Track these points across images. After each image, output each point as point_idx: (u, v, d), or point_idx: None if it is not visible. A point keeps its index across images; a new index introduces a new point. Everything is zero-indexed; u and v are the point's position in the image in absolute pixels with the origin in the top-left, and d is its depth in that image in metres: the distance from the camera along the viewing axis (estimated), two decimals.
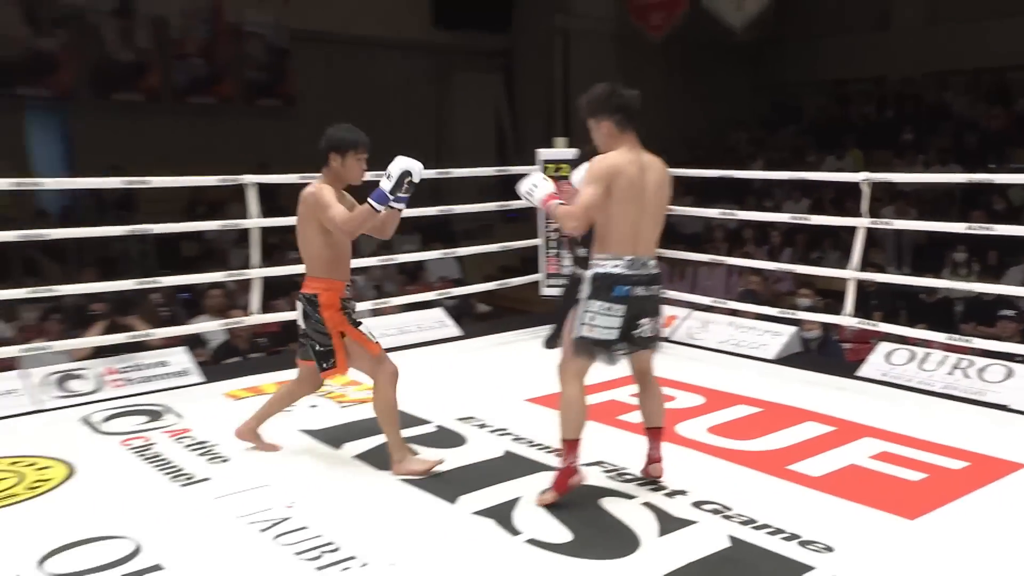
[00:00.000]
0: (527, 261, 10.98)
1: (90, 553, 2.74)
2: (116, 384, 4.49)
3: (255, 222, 4.96)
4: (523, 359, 5.28)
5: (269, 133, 12.45)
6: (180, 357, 4.76)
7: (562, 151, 6.15)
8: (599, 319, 2.96)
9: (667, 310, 5.87)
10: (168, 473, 3.40)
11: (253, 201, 4.93)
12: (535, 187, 3.17)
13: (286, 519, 2.96)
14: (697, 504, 3.09)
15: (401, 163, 3.16)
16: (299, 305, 3.37)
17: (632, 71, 14.88)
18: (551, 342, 5.18)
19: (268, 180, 5.18)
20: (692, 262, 8.26)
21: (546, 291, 6.22)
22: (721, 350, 5.35)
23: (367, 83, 13.29)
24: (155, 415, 4.12)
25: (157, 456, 3.58)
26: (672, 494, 3.17)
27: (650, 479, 3.28)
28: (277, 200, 10.45)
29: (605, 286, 2.96)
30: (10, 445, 3.74)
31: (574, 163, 5.99)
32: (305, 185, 3.31)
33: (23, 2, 10.62)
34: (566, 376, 3.09)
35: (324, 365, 3.34)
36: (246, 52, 12.53)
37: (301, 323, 3.38)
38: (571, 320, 3.09)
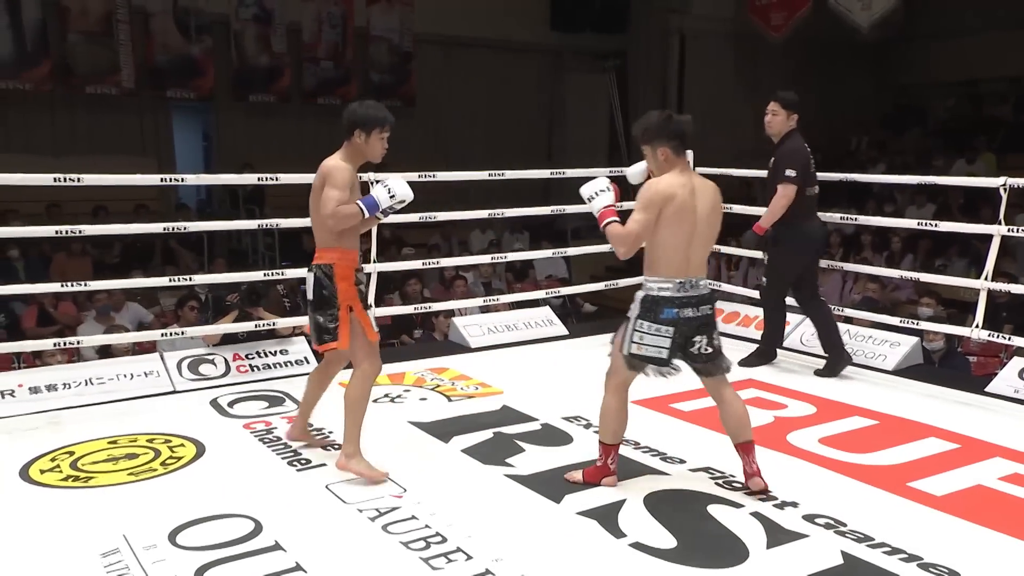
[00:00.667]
0: (633, 262, 10.85)
1: (216, 529, 2.85)
2: (242, 370, 4.67)
3: None
4: None
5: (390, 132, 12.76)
6: (300, 346, 4.91)
7: None
8: (647, 338, 3.03)
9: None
10: (286, 458, 3.50)
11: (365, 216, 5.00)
12: (597, 194, 3.12)
13: (395, 508, 2.99)
14: (809, 517, 2.94)
15: (404, 187, 3.19)
16: (311, 278, 3.22)
17: (749, 72, 14.47)
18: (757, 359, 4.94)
19: (388, 178, 5.25)
20: None
21: None
22: None
23: (482, 84, 13.41)
24: (276, 401, 4.25)
25: (277, 440, 3.70)
26: (782, 505, 3.03)
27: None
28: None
29: (654, 308, 3.02)
30: (149, 423, 3.94)
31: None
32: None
33: (176, 11, 11.24)
34: (610, 385, 3.17)
35: (325, 337, 3.19)
36: (371, 55, 12.85)
37: (312, 295, 3.23)
38: (618, 336, 3.13)
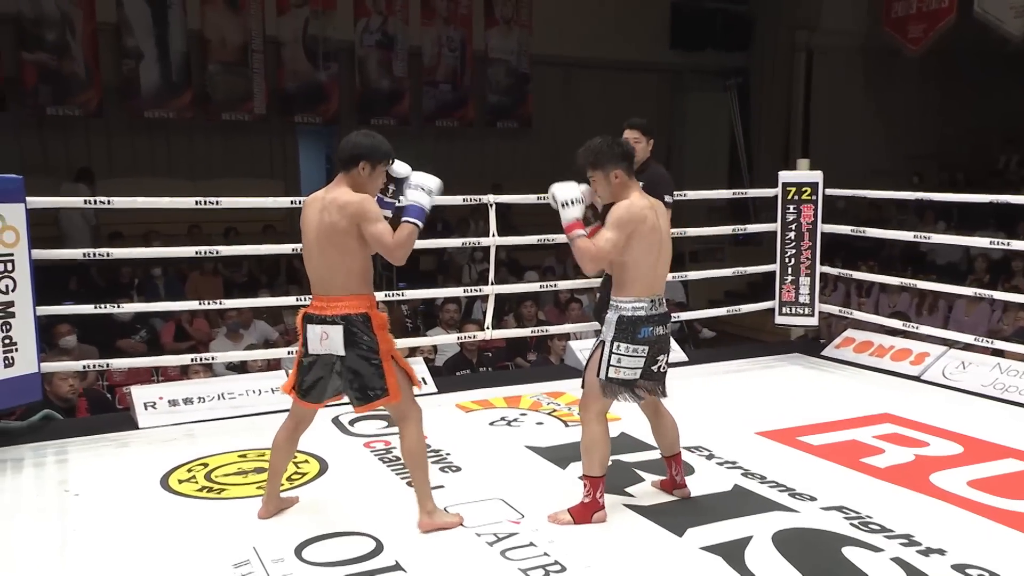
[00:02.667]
0: (753, 286, 10.59)
1: (339, 546, 2.92)
2: None
3: (494, 240, 5.12)
4: (753, 389, 5.03)
5: (505, 153, 12.93)
6: (418, 367, 5.01)
7: (805, 173, 5.83)
8: (625, 360, 3.02)
9: (916, 346, 5.39)
10: (405, 477, 3.55)
11: (493, 220, 5.09)
12: (572, 203, 3.03)
13: (513, 534, 3.00)
14: (959, 567, 2.76)
15: (433, 179, 2.97)
16: (327, 331, 2.91)
17: (883, 87, 13.89)
18: None
19: (509, 200, 5.34)
20: (946, 295, 7.48)
21: (781, 320, 5.92)
22: (983, 394, 4.78)
23: (600, 104, 13.40)
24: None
25: (396, 460, 3.77)
26: (927, 552, 2.86)
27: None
28: (510, 219, 10.81)
29: (631, 329, 3.01)
30: None
31: (812, 186, 5.66)
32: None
33: (306, 40, 11.83)
34: (589, 416, 3.11)
35: (372, 394, 2.93)
36: (489, 77, 13.10)
37: (323, 350, 2.93)
38: (592, 362, 3.09)
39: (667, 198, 4.45)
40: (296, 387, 3.07)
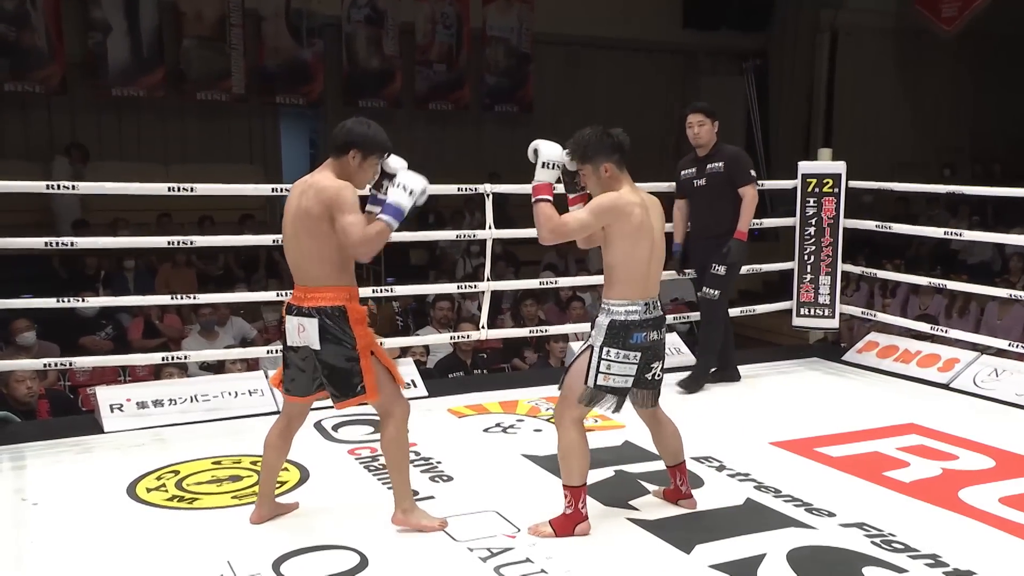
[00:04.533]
0: (769, 285, 10.60)
1: (320, 560, 2.94)
2: None
3: (490, 233, 5.12)
4: (768, 396, 5.05)
5: (503, 139, 12.94)
6: (407, 368, 5.02)
7: (827, 164, 5.84)
8: (615, 367, 3.03)
9: (945, 351, 5.41)
10: (392, 487, 3.58)
11: (490, 211, 5.09)
12: (550, 165, 3.10)
13: (508, 549, 3.01)
14: None
15: (420, 180, 2.98)
16: (303, 323, 2.97)
17: (913, 72, 13.91)
18: (693, 384, 5.02)
19: (506, 190, 5.32)
20: (979, 296, 7.51)
21: (799, 321, 5.93)
22: (1018, 404, 4.79)
23: (606, 87, 13.43)
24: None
25: (383, 468, 3.77)
26: (954, 573, 2.87)
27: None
28: (507, 210, 10.80)
29: (623, 334, 3.02)
30: (253, 444, 4.07)
31: (835, 178, 5.69)
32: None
33: (289, 14, 11.81)
34: (565, 422, 3.12)
35: (350, 393, 3.01)
36: (487, 57, 13.10)
37: (301, 342, 3.00)
38: (577, 366, 3.10)
39: (752, 172, 5.02)
40: (283, 381, 3.17)
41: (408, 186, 2.97)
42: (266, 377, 4.78)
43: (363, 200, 3.09)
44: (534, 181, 3.11)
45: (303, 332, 2.99)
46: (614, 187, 3.09)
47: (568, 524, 3.11)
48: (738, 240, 4.94)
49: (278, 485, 3.60)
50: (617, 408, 3.13)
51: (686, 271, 5.42)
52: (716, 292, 5.00)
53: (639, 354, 3.04)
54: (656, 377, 3.16)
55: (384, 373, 3.06)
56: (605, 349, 3.03)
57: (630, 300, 3.05)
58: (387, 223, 2.93)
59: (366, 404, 3.12)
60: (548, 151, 3.13)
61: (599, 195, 3.08)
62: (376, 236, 2.92)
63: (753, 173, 5.02)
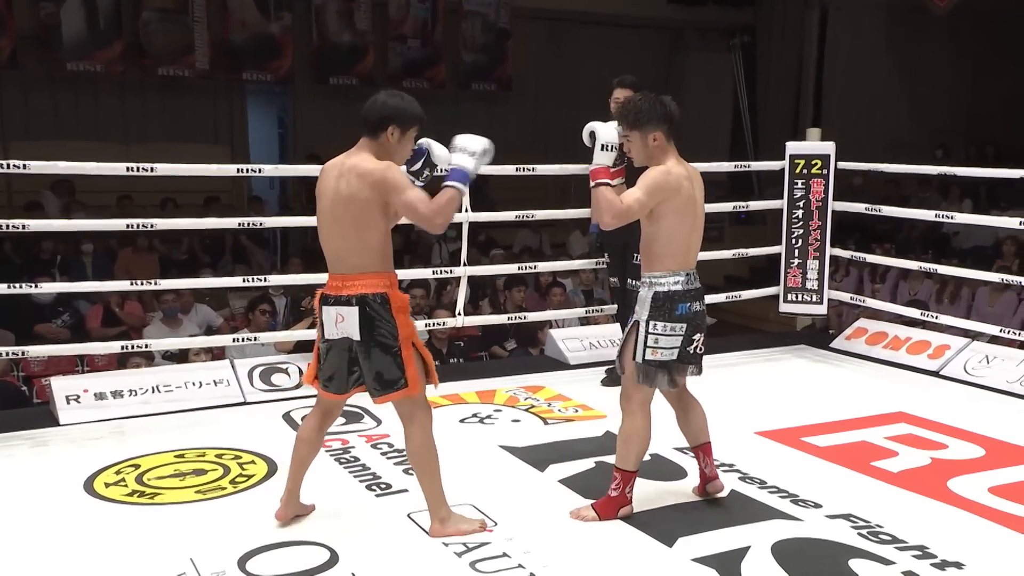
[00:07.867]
0: (756, 271, 10.67)
1: (288, 556, 2.93)
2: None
3: (467, 216, 5.11)
4: (753, 384, 5.09)
5: (481, 119, 12.89)
6: None
7: (815, 144, 5.87)
8: (663, 340, 3.08)
9: (935, 338, 5.47)
10: (364, 480, 3.58)
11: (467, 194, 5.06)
12: (609, 147, 3.15)
13: (485, 544, 3.02)
14: None
15: (479, 139, 2.96)
16: (342, 313, 2.91)
17: (906, 50, 13.98)
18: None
19: (484, 171, 5.27)
20: (970, 281, 7.58)
21: (786, 307, 5.97)
22: (1009, 391, 4.85)
23: (588, 65, 13.39)
24: (354, 417, 4.35)
25: (355, 461, 3.79)
26: (943, 565, 2.91)
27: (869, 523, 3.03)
28: (486, 193, 10.74)
29: (668, 305, 3.08)
30: (218, 436, 4.10)
31: (823, 159, 5.71)
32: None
33: None
34: (631, 406, 3.17)
35: (392, 387, 2.94)
36: (464, 33, 13.03)
37: (339, 334, 2.93)
38: (629, 344, 3.15)
39: None
40: (318, 376, 3.09)
41: (468, 148, 2.94)
42: (232, 367, 4.76)
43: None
44: (593, 164, 3.13)
45: (341, 322, 2.92)
46: (660, 157, 3.11)
47: (612, 507, 3.17)
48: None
49: (245, 479, 3.60)
50: (673, 383, 3.15)
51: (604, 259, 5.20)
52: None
53: (684, 325, 3.08)
54: (699, 351, 3.17)
55: (422, 367, 3.01)
56: (651, 323, 3.08)
57: (672, 272, 3.10)
58: (458, 188, 2.89)
59: (391, 402, 3.01)
60: (606, 133, 3.17)
61: (647, 168, 3.11)
62: (447, 204, 2.88)
63: None
